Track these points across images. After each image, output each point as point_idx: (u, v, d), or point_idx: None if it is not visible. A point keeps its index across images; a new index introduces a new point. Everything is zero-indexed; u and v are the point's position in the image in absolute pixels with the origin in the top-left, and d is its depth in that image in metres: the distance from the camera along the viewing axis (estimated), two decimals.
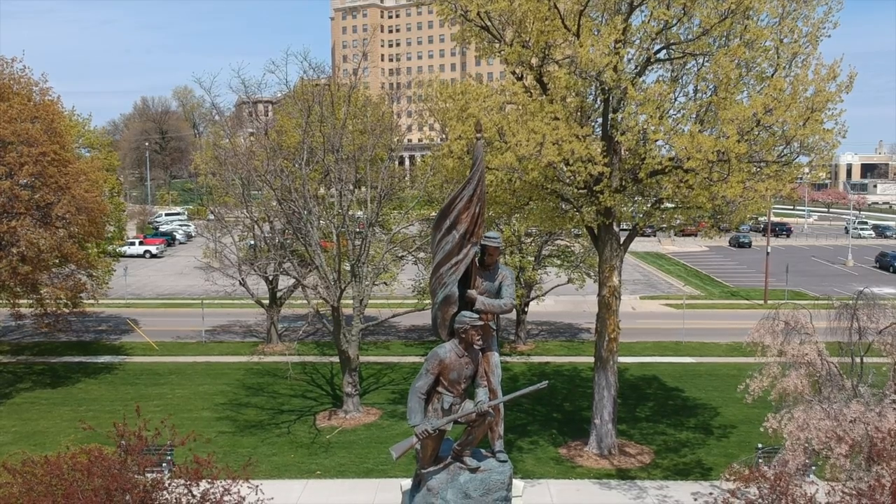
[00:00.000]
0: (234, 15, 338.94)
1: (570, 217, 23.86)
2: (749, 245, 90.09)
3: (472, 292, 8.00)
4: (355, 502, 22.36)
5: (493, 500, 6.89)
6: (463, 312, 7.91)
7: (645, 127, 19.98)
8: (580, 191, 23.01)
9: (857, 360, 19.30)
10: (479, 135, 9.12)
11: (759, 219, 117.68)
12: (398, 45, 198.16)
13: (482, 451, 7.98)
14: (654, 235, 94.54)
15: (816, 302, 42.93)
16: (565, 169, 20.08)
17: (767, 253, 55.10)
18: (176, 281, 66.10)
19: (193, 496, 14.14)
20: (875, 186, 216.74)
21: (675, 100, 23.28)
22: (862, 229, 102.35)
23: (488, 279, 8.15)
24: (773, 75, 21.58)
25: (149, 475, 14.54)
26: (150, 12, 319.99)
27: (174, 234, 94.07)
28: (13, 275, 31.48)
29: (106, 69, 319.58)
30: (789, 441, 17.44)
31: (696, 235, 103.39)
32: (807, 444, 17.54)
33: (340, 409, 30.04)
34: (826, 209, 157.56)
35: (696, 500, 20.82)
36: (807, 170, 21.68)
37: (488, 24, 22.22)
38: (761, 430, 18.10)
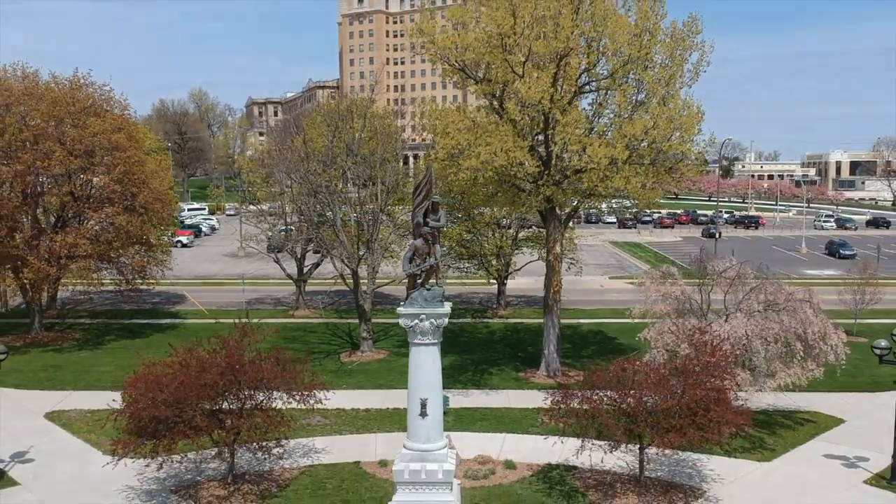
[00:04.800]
0: (242, 14, 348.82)
1: (523, 202, 33.42)
2: (719, 236, 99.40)
3: (428, 220, 17.51)
4: (370, 402, 31.99)
5: (437, 301, 16.20)
6: (423, 227, 17.44)
7: (566, 140, 29.55)
8: (531, 184, 32.57)
9: (706, 294, 29.04)
10: (431, 164, 18.87)
11: (735, 213, 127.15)
12: (403, 49, 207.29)
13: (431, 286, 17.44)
14: (635, 227, 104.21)
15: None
16: (512, 169, 29.59)
17: (716, 239, 64.70)
18: (208, 266, 76.01)
19: (279, 366, 23.79)
20: (863, 183, 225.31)
21: (598, 120, 32.80)
22: (825, 222, 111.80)
23: (434, 213, 17.64)
24: (664, 104, 31.16)
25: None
26: (160, 11, 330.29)
27: (200, 226, 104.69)
28: (107, 250, 41.29)
29: (116, 67, 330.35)
30: (652, 343, 27.13)
31: (672, 227, 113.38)
32: (665, 347, 27.21)
33: (358, 350, 39.81)
34: (806, 204, 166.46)
35: None
36: (692, 161, 31.14)
37: (463, 67, 31.82)
38: (636, 339, 27.70)
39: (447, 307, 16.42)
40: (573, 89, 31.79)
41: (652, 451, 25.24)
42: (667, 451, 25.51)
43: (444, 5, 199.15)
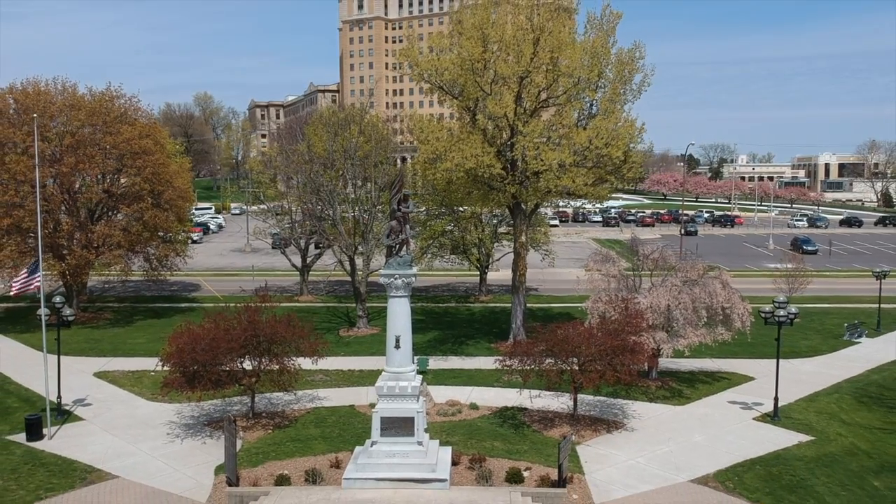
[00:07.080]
0: (244, 15, 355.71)
1: (493, 199, 39.75)
2: (695, 233, 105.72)
3: (401, 207, 23.68)
4: (364, 365, 38.40)
5: (406, 265, 22.39)
6: (397, 212, 23.63)
7: (525, 147, 35.91)
8: (498, 183, 38.88)
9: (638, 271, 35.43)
10: (401, 165, 25.10)
11: (714, 213, 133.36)
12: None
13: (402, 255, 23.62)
14: (617, 226, 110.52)
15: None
16: (480, 171, 35.97)
17: (681, 235, 70.98)
18: (218, 259, 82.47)
19: (290, 326, 30.09)
20: (851, 185, 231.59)
21: (554, 129, 39.10)
22: (798, 220, 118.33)
23: (404, 202, 23.78)
24: (608, 117, 37.49)
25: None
26: (159, 13, 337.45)
27: (208, 224, 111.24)
28: (137, 240, 47.64)
29: (116, 69, 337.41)
30: (590, 311, 33.48)
31: (653, 226, 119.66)
32: (600, 314, 33.53)
33: (354, 327, 46.19)
34: (789, 205, 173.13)
35: None
36: (633, 164, 37.64)
37: (441, 86, 38.17)
38: (580, 308, 33.97)
39: (414, 269, 22.66)
40: (535, 104, 38.07)
41: (588, 397, 31.73)
42: (599, 398, 32.06)
43: (441, 12, 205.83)
